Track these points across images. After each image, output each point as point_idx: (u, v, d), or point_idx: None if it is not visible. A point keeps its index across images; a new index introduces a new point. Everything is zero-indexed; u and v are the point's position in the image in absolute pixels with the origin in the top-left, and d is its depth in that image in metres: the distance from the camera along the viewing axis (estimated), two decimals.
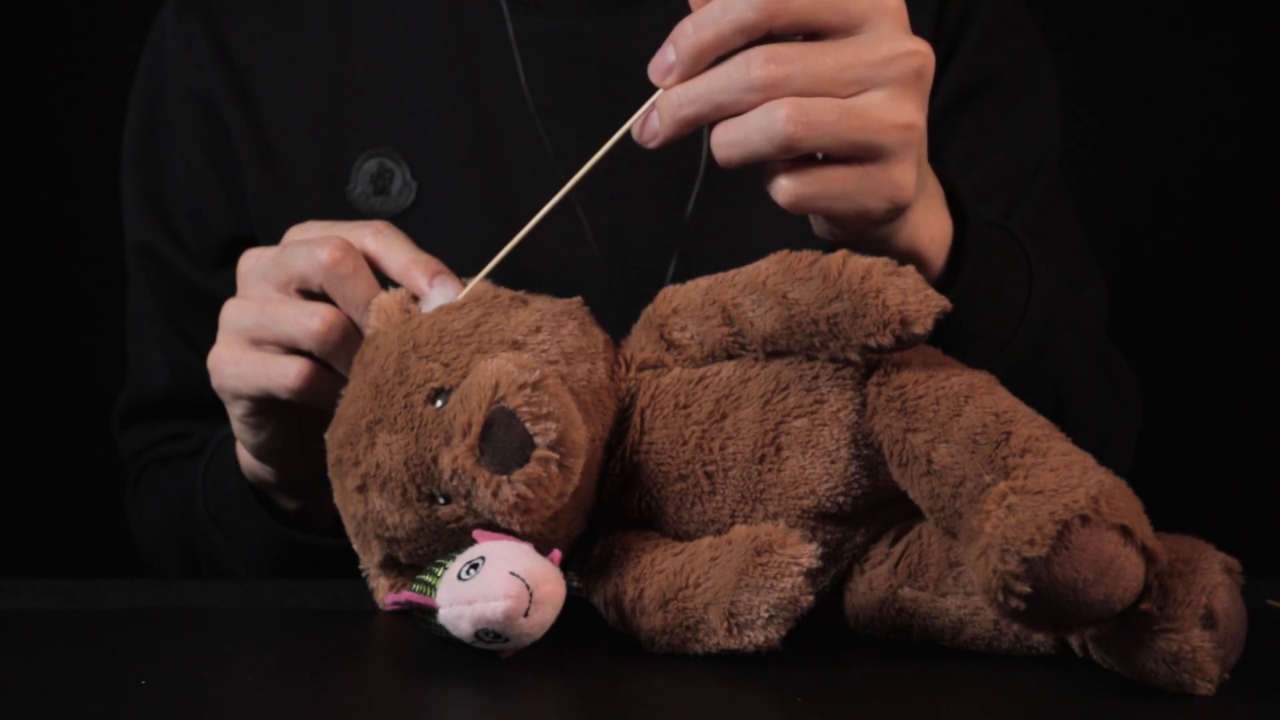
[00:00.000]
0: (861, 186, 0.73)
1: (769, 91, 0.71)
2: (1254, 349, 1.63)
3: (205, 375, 0.86)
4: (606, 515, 0.76)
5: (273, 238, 0.86)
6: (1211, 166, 1.63)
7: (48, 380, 1.64)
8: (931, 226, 0.80)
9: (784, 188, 0.73)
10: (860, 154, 0.72)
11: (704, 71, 0.72)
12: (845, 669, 0.70)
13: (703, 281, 0.76)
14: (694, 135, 0.75)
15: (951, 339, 0.73)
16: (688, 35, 0.72)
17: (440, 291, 0.78)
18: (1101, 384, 1.02)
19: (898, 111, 0.72)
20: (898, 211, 0.75)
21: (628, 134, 0.74)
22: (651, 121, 0.73)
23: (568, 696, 0.67)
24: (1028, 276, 0.86)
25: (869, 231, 0.76)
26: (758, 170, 0.74)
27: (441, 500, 0.71)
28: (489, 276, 0.78)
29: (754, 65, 0.71)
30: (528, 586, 0.66)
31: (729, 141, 0.72)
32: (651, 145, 0.74)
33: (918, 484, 0.68)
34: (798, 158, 0.72)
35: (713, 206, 1.01)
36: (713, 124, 0.72)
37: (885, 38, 0.72)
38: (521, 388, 0.68)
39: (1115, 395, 1.04)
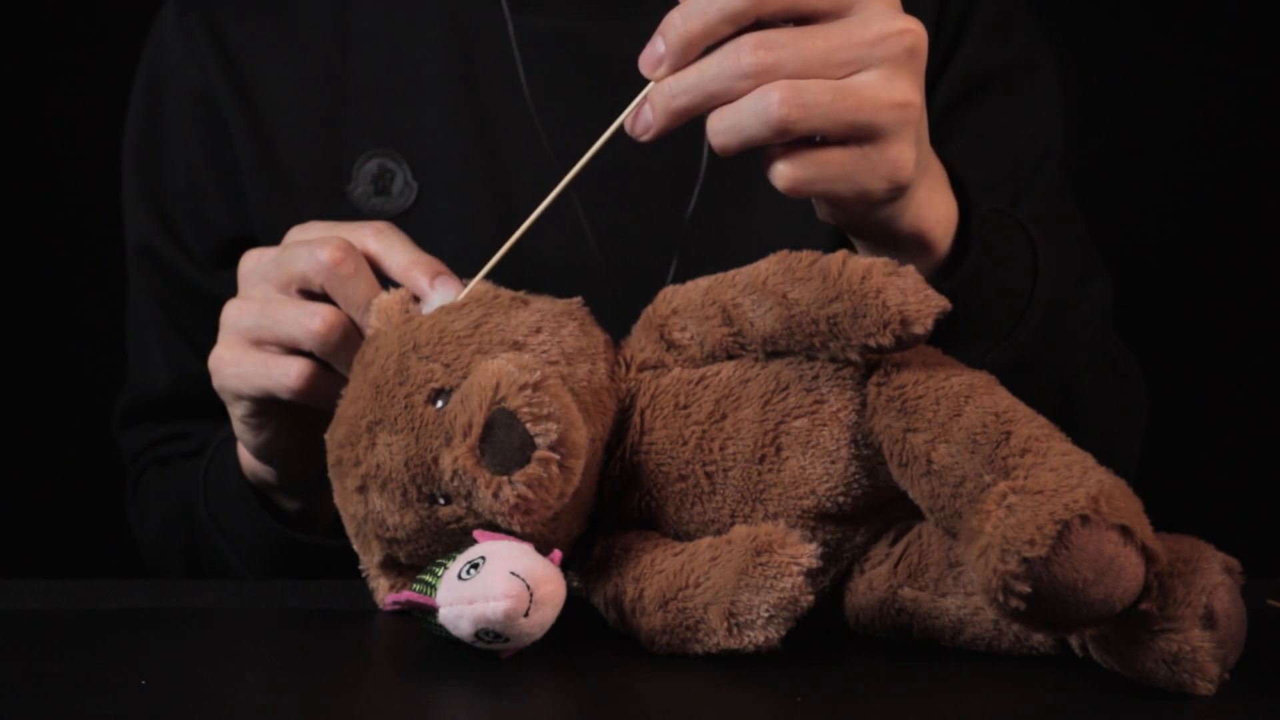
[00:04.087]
0: (860, 167, 0.72)
1: (761, 77, 0.70)
2: (1254, 349, 1.63)
3: (206, 376, 0.86)
4: (606, 515, 0.76)
5: (273, 238, 0.86)
6: (1216, 164, 1.62)
7: (48, 380, 1.64)
8: (937, 208, 0.79)
9: (782, 172, 0.72)
10: (857, 134, 0.72)
11: (694, 62, 0.72)
12: (845, 669, 0.70)
13: (702, 282, 0.76)
14: (694, 134, 0.75)
15: (957, 324, 0.73)
16: (676, 26, 0.71)
17: (441, 293, 0.78)
18: (1108, 376, 1.02)
19: (892, 90, 0.71)
20: (898, 191, 0.74)
21: (626, 132, 0.74)
22: (644, 114, 0.73)
23: (568, 696, 0.67)
24: (1032, 261, 0.86)
25: (871, 213, 0.75)
26: (758, 170, 0.73)
27: (442, 501, 0.71)
28: (488, 276, 0.78)
29: (744, 52, 0.70)
30: (528, 586, 0.65)
31: (724, 128, 0.71)
32: (645, 138, 0.73)
33: (918, 484, 0.68)
34: (795, 142, 0.72)
35: (713, 206, 1.01)
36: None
37: (876, 17, 0.71)
38: (522, 388, 0.68)
39: (1122, 388, 1.04)
